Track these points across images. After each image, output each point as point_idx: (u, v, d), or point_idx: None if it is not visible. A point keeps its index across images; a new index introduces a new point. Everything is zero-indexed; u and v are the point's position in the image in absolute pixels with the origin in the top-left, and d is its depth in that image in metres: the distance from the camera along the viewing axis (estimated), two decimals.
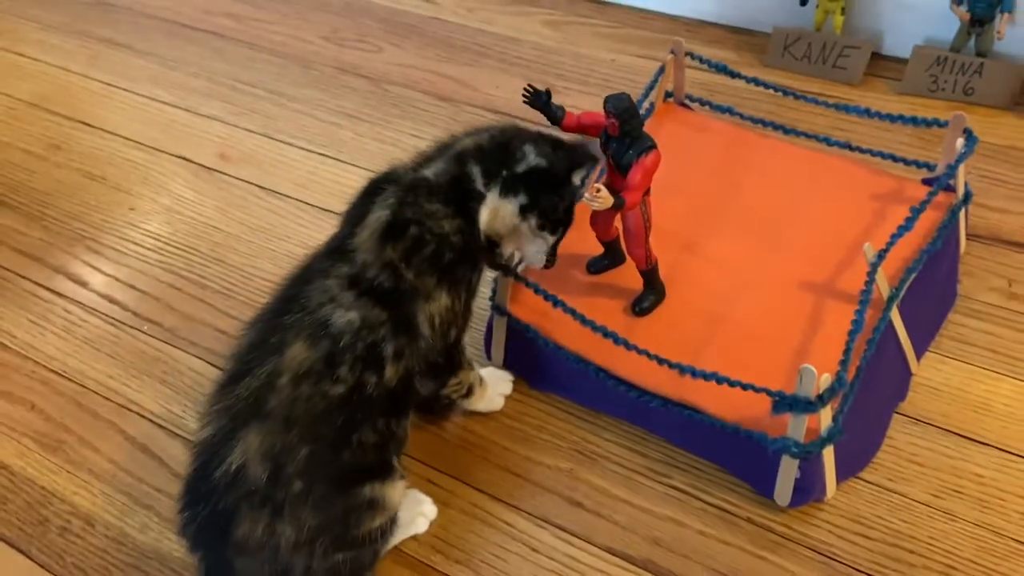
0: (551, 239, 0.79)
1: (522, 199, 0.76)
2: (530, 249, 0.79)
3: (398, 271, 0.71)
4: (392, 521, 0.74)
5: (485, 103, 1.25)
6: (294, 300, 0.71)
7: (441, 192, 0.74)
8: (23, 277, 1.08)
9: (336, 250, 0.73)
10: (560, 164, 0.77)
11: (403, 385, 0.72)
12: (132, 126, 1.28)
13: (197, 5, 1.51)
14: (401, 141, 1.20)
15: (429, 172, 0.75)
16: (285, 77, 1.34)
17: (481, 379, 0.86)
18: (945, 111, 0.88)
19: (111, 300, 1.04)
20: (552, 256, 0.80)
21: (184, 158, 1.22)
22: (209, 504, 0.68)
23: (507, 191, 0.75)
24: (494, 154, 0.76)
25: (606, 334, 0.80)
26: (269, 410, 0.67)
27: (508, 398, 0.89)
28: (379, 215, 0.72)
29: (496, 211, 0.76)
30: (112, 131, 1.28)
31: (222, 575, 0.70)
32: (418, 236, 0.72)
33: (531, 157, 0.76)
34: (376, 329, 0.70)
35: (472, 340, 0.92)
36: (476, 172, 0.76)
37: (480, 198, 0.75)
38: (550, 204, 0.77)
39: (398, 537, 0.78)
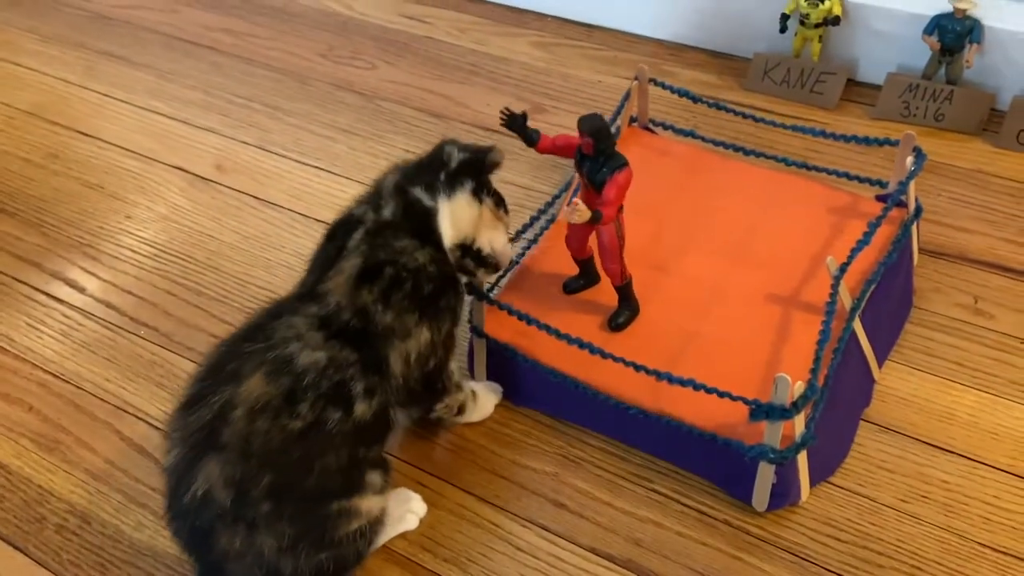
0: (507, 220, 0.84)
1: (469, 185, 0.80)
2: (499, 238, 0.82)
3: (372, 314, 0.73)
4: (373, 524, 0.76)
5: (475, 120, 1.29)
6: (259, 330, 0.73)
7: (403, 227, 0.77)
8: (21, 282, 1.10)
9: (306, 295, 0.75)
10: (481, 154, 0.81)
11: (375, 418, 0.74)
12: (129, 136, 1.31)
13: (195, 20, 1.54)
14: (393, 155, 1.24)
15: (387, 212, 0.78)
16: (281, 92, 1.37)
17: (474, 394, 0.88)
18: (917, 136, 0.93)
19: (108, 305, 1.06)
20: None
21: (180, 168, 1.25)
22: (187, 521, 0.70)
23: (452, 187, 0.79)
24: (425, 169, 0.80)
25: (582, 345, 0.83)
26: (224, 442, 0.68)
27: (496, 405, 0.92)
28: (353, 263, 0.75)
29: (453, 211, 0.79)
30: (109, 141, 1.31)
31: (216, 575, 0.73)
32: (394, 275, 0.74)
33: (456, 153, 0.80)
34: (344, 369, 0.71)
35: (459, 357, 0.95)
36: (419, 192, 0.79)
37: (434, 213, 0.78)
38: (491, 184, 0.82)
39: (388, 534, 0.81)
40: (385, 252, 0.75)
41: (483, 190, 0.81)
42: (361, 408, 0.72)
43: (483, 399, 0.90)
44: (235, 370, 0.70)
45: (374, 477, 0.76)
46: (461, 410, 0.87)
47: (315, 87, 1.38)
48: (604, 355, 0.82)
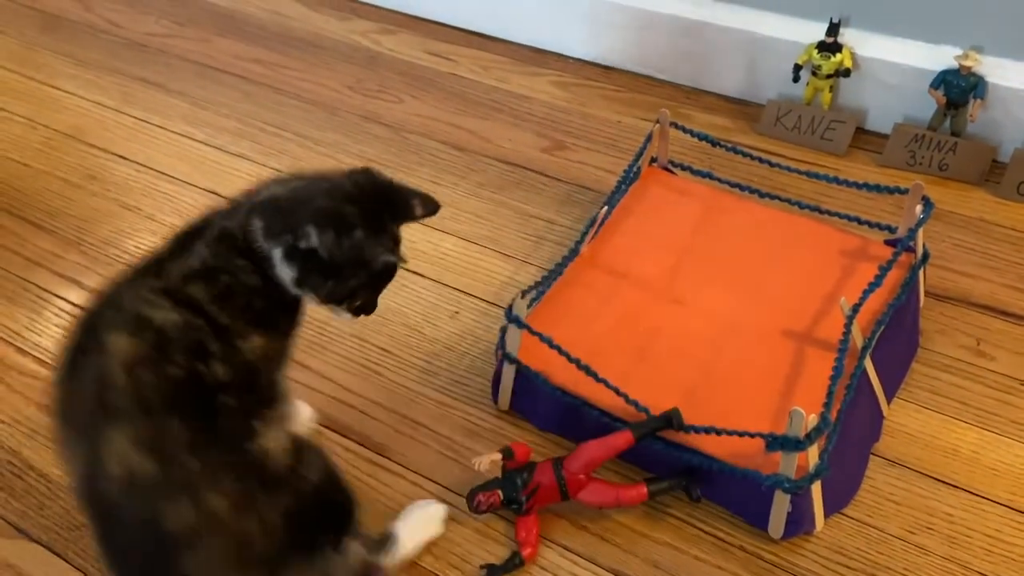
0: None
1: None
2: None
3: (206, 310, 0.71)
4: (308, 451, 0.73)
5: (497, 154, 1.34)
6: (107, 302, 0.71)
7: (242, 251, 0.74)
8: (61, 298, 1.14)
9: (147, 270, 0.74)
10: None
11: (246, 378, 0.71)
12: (165, 160, 1.36)
13: (227, 50, 1.60)
14: (420, 186, 1.28)
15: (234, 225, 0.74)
16: (311, 122, 1.43)
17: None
18: (925, 188, 0.98)
19: None
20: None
21: (214, 192, 1.30)
22: (125, 521, 0.66)
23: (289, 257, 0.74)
24: (290, 213, 0.73)
25: (608, 385, 0.88)
26: (117, 406, 0.65)
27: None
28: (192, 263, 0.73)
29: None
30: (145, 164, 1.35)
31: None
32: (228, 284, 0.72)
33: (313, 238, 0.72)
34: (198, 330, 0.69)
35: (481, 385, 1.00)
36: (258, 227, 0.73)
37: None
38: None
39: (415, 539, 0.84)
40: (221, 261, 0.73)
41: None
42: (222, 369, 0.70)
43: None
44: (96, 339, 0.68)
45: (280, 410, 0.74)
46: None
47: (344, 118, 1.43)
48: (628, 400, 0.86)
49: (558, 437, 0.95)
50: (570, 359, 0.89)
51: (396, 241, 0.78)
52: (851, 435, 0.88)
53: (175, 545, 0.66)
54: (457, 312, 1.11)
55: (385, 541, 0.82)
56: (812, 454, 0.81)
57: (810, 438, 0.79)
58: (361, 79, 1.51)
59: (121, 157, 1.37)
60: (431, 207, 0.80)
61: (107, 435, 0.65)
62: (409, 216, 0.79)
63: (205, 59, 1.58)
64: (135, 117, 1.45)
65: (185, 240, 0.75)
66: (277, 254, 0.73)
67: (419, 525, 0.86)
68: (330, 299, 0.76)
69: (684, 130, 1.12)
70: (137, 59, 1.59)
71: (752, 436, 0.81)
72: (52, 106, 1.49)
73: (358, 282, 0.75)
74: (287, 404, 0.78)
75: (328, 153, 1.36)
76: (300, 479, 0.71)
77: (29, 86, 1.53)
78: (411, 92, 1.48)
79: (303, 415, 0.93)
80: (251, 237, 0.73)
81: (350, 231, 0.72)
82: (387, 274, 0.78)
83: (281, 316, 0.77)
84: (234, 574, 0.68)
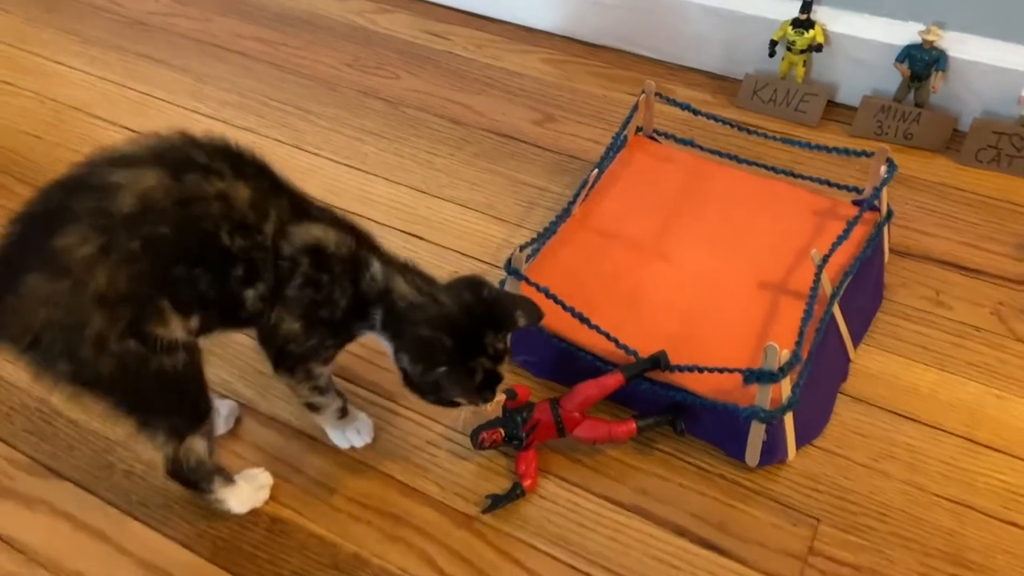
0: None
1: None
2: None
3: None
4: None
5: (491, 127, 1.41)
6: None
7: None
8: None
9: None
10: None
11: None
12: None
13: (228, 29, 1.65)
14: (417, 156, 1.36)
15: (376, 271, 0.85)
16: (311, 97, 1.49)
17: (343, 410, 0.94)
18: (891, 154, 1.07)
19: None
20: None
21: None
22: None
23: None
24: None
25: (599, 331, 0.95)
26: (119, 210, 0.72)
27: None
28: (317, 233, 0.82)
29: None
30: None
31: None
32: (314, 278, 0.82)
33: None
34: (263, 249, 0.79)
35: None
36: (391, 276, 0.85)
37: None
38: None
39: (243, 501, 0.92)
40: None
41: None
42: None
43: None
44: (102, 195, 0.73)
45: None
46: (313, 408, 0.93)
47: (343, 93, 1.49)
48: (619, 345, 0.94)
49: (554, 383, 1.03)
50: (564, 307, 0.97)
51: (499, 356, 0.86)
52: (821, 373, 0.96)
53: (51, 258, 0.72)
54: (456, 272, 1.18)
55: (224, 476, 0.89)
56: (785, 387, 0.89)
57: (783, 371, 0.87)
58: (359, 57, 1.58)
59: (128, 129, 1.43)
60: (535, 316, 0.88)
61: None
62: (512, 328, 0.87)
63: (207, 37, 1.64)
64: (140, 91, 1.51)
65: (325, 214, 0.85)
66: (384, 343, 0.86)
67: (250, 492, 0.92)
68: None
69: (668, 100, 1.20)
70: (139, 37, 1.64)
71: (731, 372, 0.89)
72: (59, 81, 1.54)
73: (444, 400, 0.87)
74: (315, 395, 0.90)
75: (329, 126, 1.43)
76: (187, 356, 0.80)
77: (36, 62, 1.58)
78: (408, 69, 1.54)
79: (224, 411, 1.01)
80: (367, 298, 0.84)
81: (434, 368, 0.83)
82: (468, 399, 0.87)
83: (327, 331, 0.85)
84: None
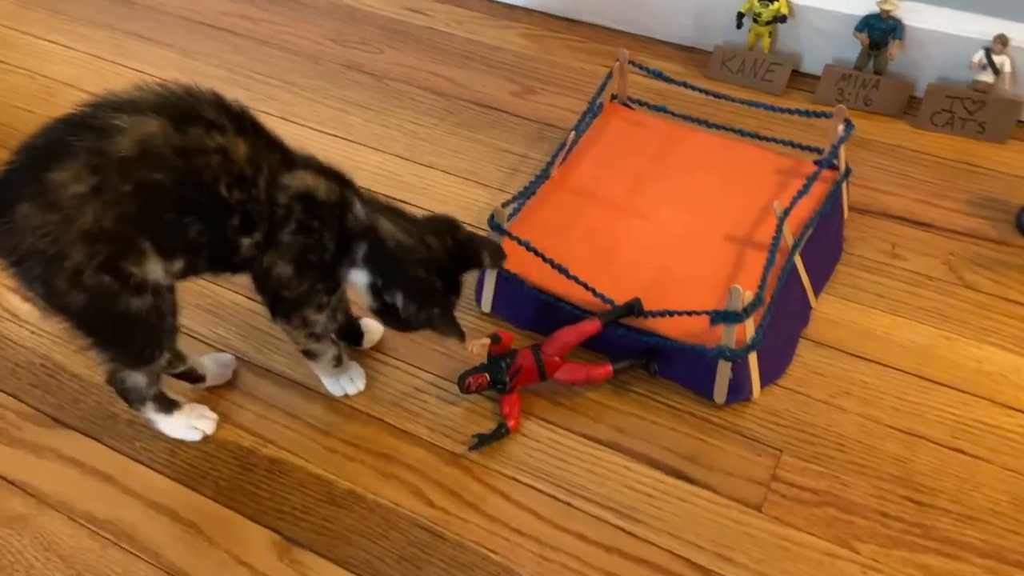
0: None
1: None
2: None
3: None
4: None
5: (473, 98, 1.47)
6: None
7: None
8: None
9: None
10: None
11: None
12: None
13: (213, 7, 1.69)
14: (402, 126, 1.41)
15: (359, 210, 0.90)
16: (296, 71, 1.54)
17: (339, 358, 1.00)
18: (850, 117, 1.14)
19: None
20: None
21: None
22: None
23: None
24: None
25: (578, 281, 1.02)
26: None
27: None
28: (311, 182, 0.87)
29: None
30: None
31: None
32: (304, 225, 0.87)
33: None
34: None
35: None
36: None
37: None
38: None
39: (176, 430, 0.99)
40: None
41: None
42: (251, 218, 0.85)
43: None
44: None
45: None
46: (310, 355, 0.99)
47: (328, 67, 1.54)
48: (596, 294, 1.01)
49: (535, 334, 1.09)
50: (545, 259, 1.03)
51: (458, 292, 0.94)
52: (783, 319, 1.03)
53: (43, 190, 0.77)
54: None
55: (162, 404, 0.96)
56: (749, 328, 0.96)
57: (747, 312, 0.94)
58: (342, 32, 1.62)
59: None
60: (498, 257, 0.98)
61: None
62: (479, 267, 0.98)
63: (193, 15, 1.68)
64: (130, 68, 1.55)
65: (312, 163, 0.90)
66: (361, 276, 0.91)
67: (184, 425, 0.99)
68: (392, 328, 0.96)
69: (641, 67, 1.26)
70: (127, 15, 1.68)
71: (699, 314, 0.96)
72: (49, 59, 1.57)
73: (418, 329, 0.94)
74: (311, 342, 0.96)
75: (315, 98, 1.48)
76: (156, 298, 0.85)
77: (26, 40, 1.62)
78: (390, 44, 1.59)
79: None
80: (351, 234, 0.89)
81: (430, 308, 0.90)
82: (447, 331, 0.93)
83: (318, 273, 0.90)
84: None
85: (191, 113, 0.81)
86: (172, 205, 0.81)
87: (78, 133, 0.78)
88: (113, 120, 0.78)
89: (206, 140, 0.81)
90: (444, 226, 0.93)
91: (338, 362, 1.00)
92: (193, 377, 1.02)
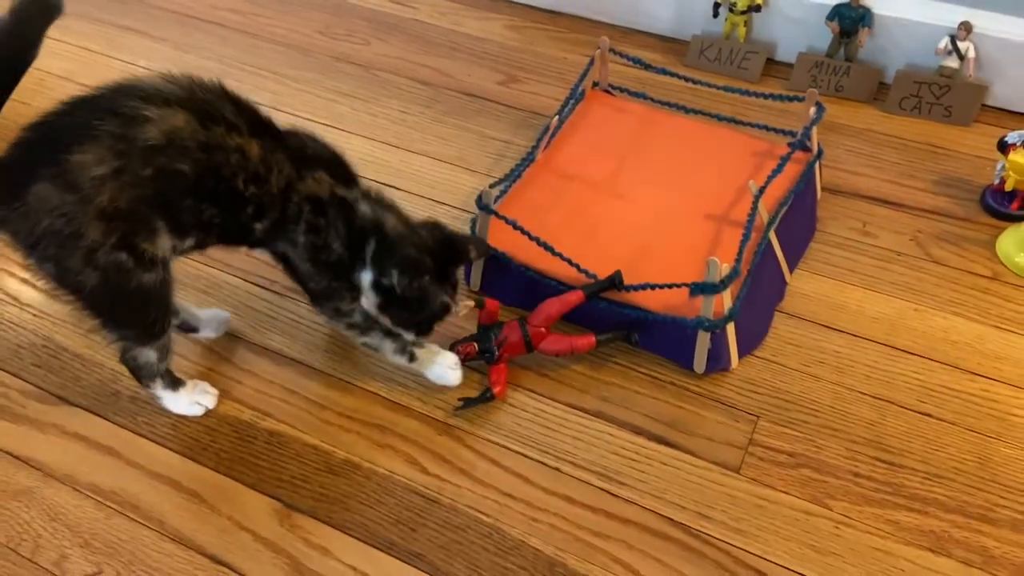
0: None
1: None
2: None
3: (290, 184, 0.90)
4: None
5: (459, 87, 1.51)
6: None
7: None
8: None
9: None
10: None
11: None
12: None
13: (203, 1, 1.73)
14: (390, 115, 1.45)
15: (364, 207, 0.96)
16: (286, 63, 1.57)
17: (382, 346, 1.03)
18: (822, 102, 1.19)
19: None
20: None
21: None
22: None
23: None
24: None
25: (562, 258, 1.06)
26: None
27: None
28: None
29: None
30: None
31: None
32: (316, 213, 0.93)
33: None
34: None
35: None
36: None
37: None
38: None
39: (183, 407, 1.02)
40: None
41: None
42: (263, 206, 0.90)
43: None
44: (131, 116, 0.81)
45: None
46: (370, 348, 1.03)
47: (317, 59, 1.58)
48: (580, 269, 1.05)
49: (523, 310, 1.13)
50: (531, 237, 1.07)
51: (454, 286, 1.01)
52: (760, 293, 1.08)
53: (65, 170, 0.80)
54: (431, 217, 1.28)
55: (169, 381, 1.00)
56: (727, 300, 1.01)
57: (724, 283, 0.98)
58: (329, 25, 1.66)
59: None
60: (483, 250, 1.08)
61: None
62: (467, 260, 1.06)
63: (183, 9, 1.71)
64: (123, 60, 1.58)
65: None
66: (366, 275, 0.96)
67: (187, 401, 1.02)
68: (401, 326, 1.01)
69: (622, 55, 1.31)
70: (118, 10, 1.70)
71: (678, 287, 1.01)
72: (42, 52, 1.59)
73: (422, 317, 1.00)
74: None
75: (305, 89, 1.51)
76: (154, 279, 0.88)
77: None
78: (377, 36, 1.63)
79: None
80: (360, 236, 0.95)
81: (421, 276, 0.96)
82: (443, 312, 1.00)
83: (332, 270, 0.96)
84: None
85: (215, 112, 0.85)
86: (191, 192, 0.85)
87: (104, 118, 0.81)
88: (143, 111, 0.82)
89: (227, 140, 0.85)
90: (431, 225, 1.01)
91: (402, 351, 1.02)
92: (187, 328, 1.08)
